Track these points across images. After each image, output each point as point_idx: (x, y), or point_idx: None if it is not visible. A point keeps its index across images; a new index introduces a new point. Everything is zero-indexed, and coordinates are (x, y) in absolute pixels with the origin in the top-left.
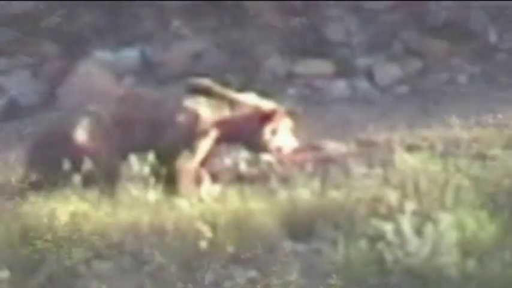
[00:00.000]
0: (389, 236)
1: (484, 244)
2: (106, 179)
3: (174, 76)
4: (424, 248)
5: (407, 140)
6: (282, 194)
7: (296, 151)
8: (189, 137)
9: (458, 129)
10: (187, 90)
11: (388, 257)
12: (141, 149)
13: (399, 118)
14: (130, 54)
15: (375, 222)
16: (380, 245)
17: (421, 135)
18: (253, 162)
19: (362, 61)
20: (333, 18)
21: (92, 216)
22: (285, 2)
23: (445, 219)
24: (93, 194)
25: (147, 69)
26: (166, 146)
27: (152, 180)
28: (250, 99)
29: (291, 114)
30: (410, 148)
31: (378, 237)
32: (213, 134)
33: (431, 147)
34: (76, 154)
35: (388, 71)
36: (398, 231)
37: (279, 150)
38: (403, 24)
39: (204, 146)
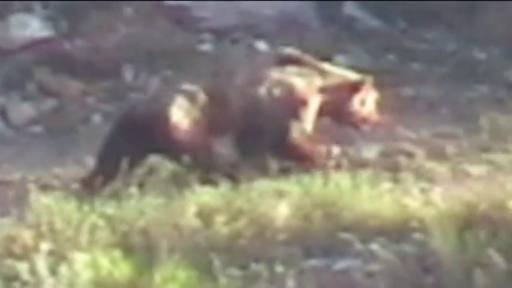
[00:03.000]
0: (25, 276)
1: (119, 283)
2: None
3: None
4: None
5: (42, 179)
6: None
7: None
8: (288, 109)
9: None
10: (276, 61)
11: None
12: (239, 128)
13: (34, 157)
14: None
15: (10, 262)
16: (16, 285)
17: (55, 175)
18: None
19: None
20: None
21: None
22: None
23: (80, 258)
24: None
25: None
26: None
27: None
28: (338, 70)
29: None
30: (45, 187)
31: (13, 277)
32: (314, 102)
33: (66, 187)
34: (171, 135)
35: (22, 111)
36: (34, 271)
37: (364, 121)
38: (37, 64)
39: (309, 115)
